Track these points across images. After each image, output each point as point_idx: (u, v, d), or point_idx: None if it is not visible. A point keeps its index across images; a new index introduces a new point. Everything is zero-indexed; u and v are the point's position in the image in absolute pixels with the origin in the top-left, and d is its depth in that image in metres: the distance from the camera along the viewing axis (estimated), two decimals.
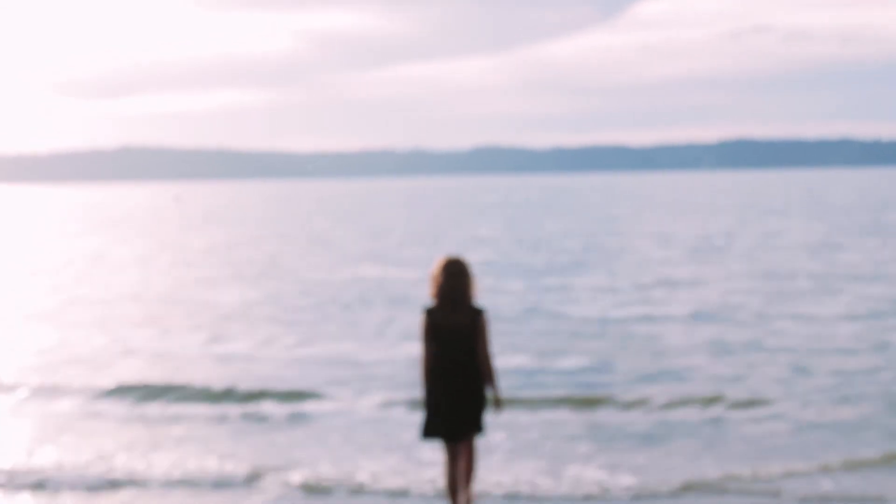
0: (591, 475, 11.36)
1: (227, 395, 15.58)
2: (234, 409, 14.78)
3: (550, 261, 37.01)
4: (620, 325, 21.55)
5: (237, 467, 11.81)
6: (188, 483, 11.45)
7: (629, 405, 14.56)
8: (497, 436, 12.81)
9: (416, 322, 21.00)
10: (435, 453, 11.96)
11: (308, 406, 14.89)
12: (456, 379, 9.53)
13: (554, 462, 11.89)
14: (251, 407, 14.87)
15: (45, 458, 12.24)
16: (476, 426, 9.64)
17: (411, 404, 14.54)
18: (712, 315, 22.65)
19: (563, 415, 14.24)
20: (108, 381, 16.62)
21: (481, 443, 11.90)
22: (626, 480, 11.15)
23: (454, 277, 9.49)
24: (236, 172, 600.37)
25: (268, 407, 14.85)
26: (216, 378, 16.84)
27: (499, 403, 9.66)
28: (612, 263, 35.71)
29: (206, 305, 26.44)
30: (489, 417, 11.65)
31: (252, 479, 11.48)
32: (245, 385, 16.05)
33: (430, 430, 9.64)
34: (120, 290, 30.70)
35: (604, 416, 14.18)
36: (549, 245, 44.86)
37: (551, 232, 54.66)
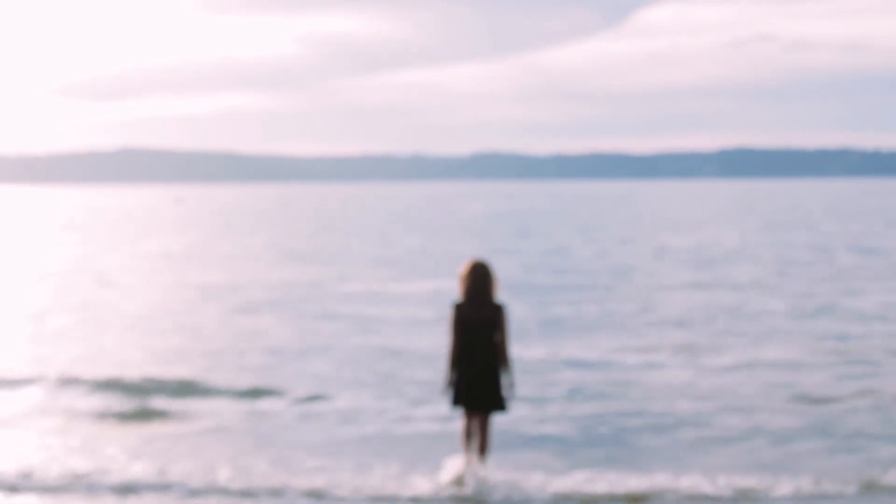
0: None
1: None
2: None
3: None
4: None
5: None
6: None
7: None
8: None
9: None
10: None
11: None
12: (478, 363, 11.31)
13: None
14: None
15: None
16: (496, 404, 11.42)
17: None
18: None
19: None
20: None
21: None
22: None
23: (480, 278, 11.32)
24: (237, 175, 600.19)
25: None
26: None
27: (512, 387, 11.42)
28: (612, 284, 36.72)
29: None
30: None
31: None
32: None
33: (456, 400, 11.45)
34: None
35: None
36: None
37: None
